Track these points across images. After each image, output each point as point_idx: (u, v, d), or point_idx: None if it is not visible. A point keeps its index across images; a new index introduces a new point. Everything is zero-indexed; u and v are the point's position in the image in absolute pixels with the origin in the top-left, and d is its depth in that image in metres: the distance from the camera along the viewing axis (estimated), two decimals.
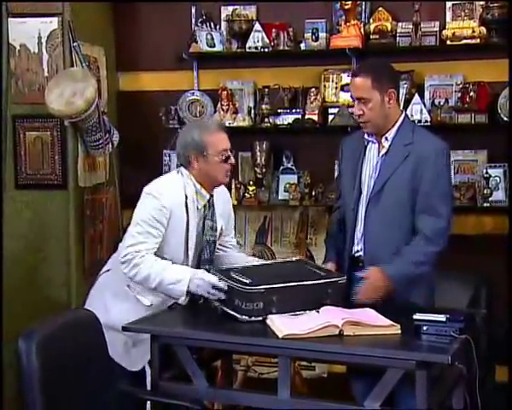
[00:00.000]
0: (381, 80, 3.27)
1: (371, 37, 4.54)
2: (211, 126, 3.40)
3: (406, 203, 3.29)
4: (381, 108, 3.28)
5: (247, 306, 3.04)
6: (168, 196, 3.30)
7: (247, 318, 3.05)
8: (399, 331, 2.89)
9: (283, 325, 2.93)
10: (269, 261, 3.41)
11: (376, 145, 3.40)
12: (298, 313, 3.06)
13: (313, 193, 4.67)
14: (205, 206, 3.40)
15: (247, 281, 3.07)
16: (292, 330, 2.87)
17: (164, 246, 3.31)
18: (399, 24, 4.51)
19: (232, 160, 3.38)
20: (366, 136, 3.40)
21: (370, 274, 3.26)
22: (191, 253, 3.37)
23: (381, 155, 3.37)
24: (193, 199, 3.35)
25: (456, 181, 4.47)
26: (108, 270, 3.49)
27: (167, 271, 3.23)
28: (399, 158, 3.30)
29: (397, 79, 3.42)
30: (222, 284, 3.14)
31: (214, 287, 3.15)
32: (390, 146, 3.33)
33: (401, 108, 3.47)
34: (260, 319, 3.05)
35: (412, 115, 4.41)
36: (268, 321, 3.01)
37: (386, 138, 3.34)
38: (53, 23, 4.40)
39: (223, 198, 3.54)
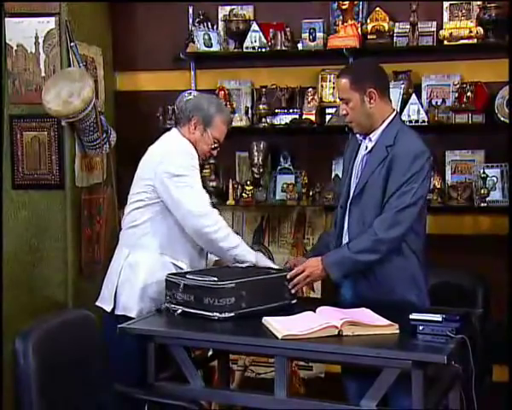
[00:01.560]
0: (360, 81, 3.30)
1: (368, 37, 4.54)
2: (226, 116, 3.56)
3: (381, 204, 3.29)
4: (362, 107, 3.31)
5: (219, 302, 3.05)
6: (189, 149, 3.42)
7: (218, 314, 3.06)
8: (398, 331, 2.89)
9: (282, 325, 2.93)
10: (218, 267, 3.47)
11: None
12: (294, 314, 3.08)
13: (310, 193, 4.68)
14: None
15: (214, 278, 3.10)
16: (291, 330, 2.87)
17: None
18: (397, 24, 4.51)
19: (215, 152, 3.54)
20: (358, 136, 3.43)
21: (308, 263, 3.34)
22: None
23: (364, 155, 3.40)
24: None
25: (453, 181, 4.48)
26: (128, 254, 3.42)
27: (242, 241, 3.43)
28: (379, 159, 3.30)
29: (381, 79, 3.41)
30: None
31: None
32: (373, 147, 3.35)
33: (393, 107, 3.46)
34: (232, 315, 3.06)
35: (409, 115, 4.42)
36: (265, 322, 3.01)
37: (370, 139, 3.37)
38: (50, 23, 4.40)
39: None
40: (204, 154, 3.50)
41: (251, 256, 3.41)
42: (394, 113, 3.41)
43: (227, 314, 3.06)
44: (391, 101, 3.44)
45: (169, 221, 3.36)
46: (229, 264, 3.42)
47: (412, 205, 3.22)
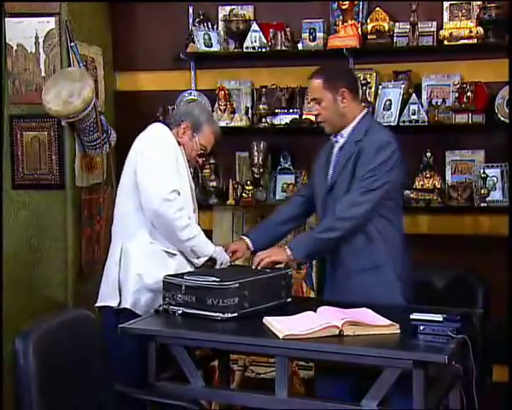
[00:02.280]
0: (332, 81, 3.41)
1: (368, 37, 4.54)
2: (215, 127, 3.67)
3: None
4: (334, 106, 3.42)
5: (224, 302, 3.06)
6: (172, 138, 3.51)
7: (221, 315, 3.06)
8: (399, 331, 2.90)
9: (282, 325, 2.93)
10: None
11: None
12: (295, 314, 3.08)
13: None
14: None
15: (216, 279, 3.10)
16: (292, 330, 2.87)
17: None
18: (397, 24, 4.51)
19: (201, 161, 3.66)
20: (332, 137, 3.54)
21: (273, 249, 3.49)
22: (196, 205, 3.60)
23: (335, 151, 3.50)
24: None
25: (454, 181, 4.48)
26: (122, 246, 3.44)
27: (199, 230, 3.47)
28: (349, 154, 3.41)
29: (352, 80, 3.55)
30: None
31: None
32: (344, 143, 3.46)
33: (363, 106, 3.61)
34: (236, 315, 3.07)
35: (409, 115, 4.42)
36: (265, 322, 3.01)
37: (342, 135, 3.48)
38: (50, 23, 4.40)
39: None
40: (190, 156, 3.57)
41: (209, 248, 3.47)
42: (365, 110, 3.53)
43: (230, 315, 3.07)
44: (361, 101, 3.57)
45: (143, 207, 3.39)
46: (193, 259, 3.46)
47: (375, 189, 3.32)
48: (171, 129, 3.55)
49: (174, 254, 3.42)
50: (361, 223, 3.35)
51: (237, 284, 3.08)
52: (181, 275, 3.24)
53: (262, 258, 3.40)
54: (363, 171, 3.34)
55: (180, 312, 3.15)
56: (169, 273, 3.29)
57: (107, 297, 3.44)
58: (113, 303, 3.39)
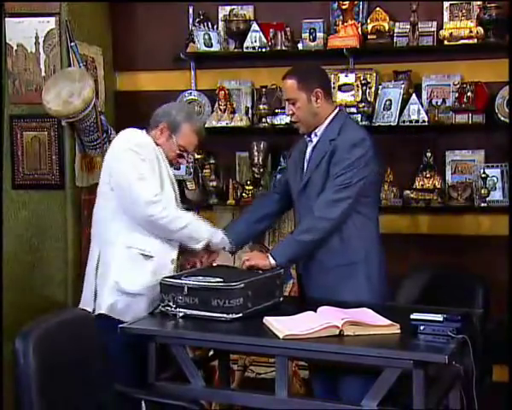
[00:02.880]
0: (306, 81, 3.44)
1: (369, 37, 4.54)
2: (195, 124, 3.54)
3: None
4: (309, 106, 3.45)
5: (230, 303, 3.05)
6: (144, 140, 3.44)
7: (226, 316, 3.06)
8: (399, 331, 2.90)
9: (283, 325, 2.93)
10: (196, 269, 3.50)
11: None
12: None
13: None
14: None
15: (220, 279, 3.10)
16: (292, 330, 2.87)
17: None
18: (397, 24, 4.51)
19: (184, 161, 3.58)
20: (305, 136, 3.56)
21: (256, 254, 3.58)
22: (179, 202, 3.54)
23: (309, 150, 3.53)
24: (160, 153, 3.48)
25: (454, 181, 4.48)
26: (99, 253, 3.42)
27: (194, 219, 3.45)
28: (323, 152, 3.44)
29: (325, 80, 3.59)
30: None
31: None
32: (318, 142, 3.49)
33: (336, 105, 3.67)
34: (240, 315, 3.07)
35: (410, 115, 4.42)
36: (266, 322, 3.01)
37: (316, 134, 3.51)
38: (50, 23, 4.40)
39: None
40: (170, 160, 3.51)
41: (204, 233, 3.44)
42: (338, 109, 3.56)
43: (235, 315, 3.07)
44: (334, 101, 3.62)
45: (129, 214, 3.36)
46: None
47: (350, 186, 3.35)
48: (149, 131, 3.50)
49: (151, 257, 3.36)
50: (340, 221, 3.37)
51: (242, 285, 3.08)
52: (178, 276, 3.23)
53: (243, 261, 3.43)
54: (337, 169, 3.36)
55: (182, 314, 3.14)
56: (146, 275, 3.30)
57: (85, 303, 3.42)
58: (90, 309, 3.35)
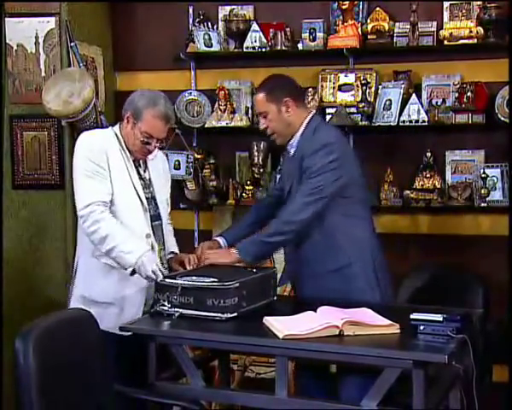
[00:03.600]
0: (275, 93, 3.47)
1: (369, 37, 4.55)
2: (158, 110, 3.34)
3: None
4: (280, 117, 3.47)
5: (224, 303, 3.05)
6: (99, 140, 3.36)
7: (221, 315, 3.06)
8: (398, 331, 2.90)
9: (283, 325, 2.93)
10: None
11: None
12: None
13: None
14: (134, 161, 3.43)
15: (214, 279, 3.10)
16: (292, 330, 2.87)
17: (116, 200, 3.31)
18: (397, 24, 4.51)
19: (152, 147, 3.37)
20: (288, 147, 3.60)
21: (220, 251, 3.52)
22: (146, 206, 3.39)
23: (287, 160, 3.59)
24: (123, 148, 3.39)
25: (454, 181, 4.48)
26: (78, 258, 3.45)
27: (124, 238, 3.23)
28: (298, 162, 3.45)
29: (294, 89, 3.58)
30: (162, 270, 3.21)
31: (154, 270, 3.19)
32: (295, 152, 3.51)
33: (310, 109, 3.75)
34: (235, 314, 3.07)
35: (410, 115, 4.42)
36: (265, 322, 3.01)
37: (292, 145, 3.53)
38: (50, 23, 4.40)
39: (162, 165, 3.61)
40: (137, 149, 3.38)
41: (129, 259, 3.20)
42: (311, 114, 3.56)
43: (230, 315, 3.07)
44: (306, 106, 3.68)
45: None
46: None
47: (320, 190, 3.34)
48: (120, 122, 3.42)
49: (114, 266, 3.30)
50: (308, 224, 3.38)
51: (237, 284, 3.09)
52: (173, 276, 3.23)
53: (208, 257, 3.43)
54: (307, 173, 3.37)
55: (178, 314, 3.14)
56: (112, 285, 3.29)
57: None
58: None
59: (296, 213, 3.36)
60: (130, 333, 3.15)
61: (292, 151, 3.53)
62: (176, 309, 3.14)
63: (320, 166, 3.34)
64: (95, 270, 3.34)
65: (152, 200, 3.46)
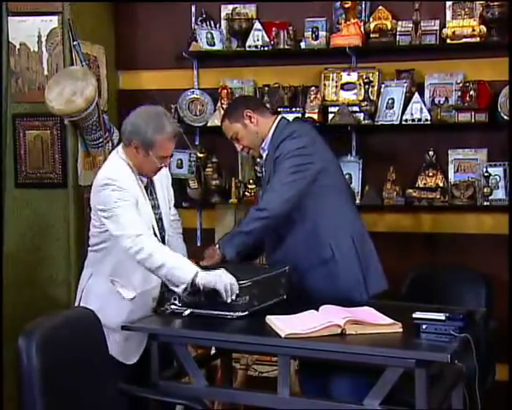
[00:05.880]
0: (233, 113, 3.64)
1: (371, 35, 4.54)
2: (167, 131, 3.28)
3: None
4: (248, 130, 3.61)
5: (236, 301, 3.06)
6: (122, 176, 3.27)
7: (232, 314, 3.07)
8: (401, 330, 2.90)
9: (285, 324, 2.93)
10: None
11: None
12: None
13: None
14: (146, 186, 3.41)
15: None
16: (294, 329, 2.87)
17: None
18: (399, 22, 4.51)
19: (167, 163, 3.38)
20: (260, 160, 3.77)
21: (206, 252, 3.51)
22: (157, 231, 3.36)
23: (264, 164, 3.67)
24: (138, 177, 3.35)
25: (456, 180, 4.47)
26: (91, 275, 3.40)
27: (175, 256, 3.19)
28: (271, 161, 3.54)
29: (250, 100, 3.93)
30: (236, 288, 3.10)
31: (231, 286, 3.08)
32: (267, 155, 3.60)
33: (274, 114, 3.83)
34: (246, 313, 3.08)
35: (412, 114, 4.42)
36: (268, 321, 3.01)
37: (263, 149, 3.63)
38: (53, 22, 4.40)
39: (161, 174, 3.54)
40: (152, 173, 3.36)
41: (182, 273, 3.11)
42: (278, 118, 3.66)
43: (241, 313, 3.08)
44: (270, 113, 3.76)
45: (119, 247, 3.24)
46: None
47: (298, 172, 3.42)
48: (125, 146, 3.32)
49: (126, 297, 3.29)
50: (285, 210, 3.42)
51: (249, 283, 3.09)
52: None
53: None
54: (277, 161, 3.47)
55: (188, 312, 3.14)
56: (121, 315, 3.24)
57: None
58: None
59: (270, 198, 3.44)
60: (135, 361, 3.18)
61: (264, 155, 3.63)
62: (186, 308, 3.14)
63: (288, 151, 3.45)
64: (109, 294, 3.31)
65: (160, 221, 3.44)
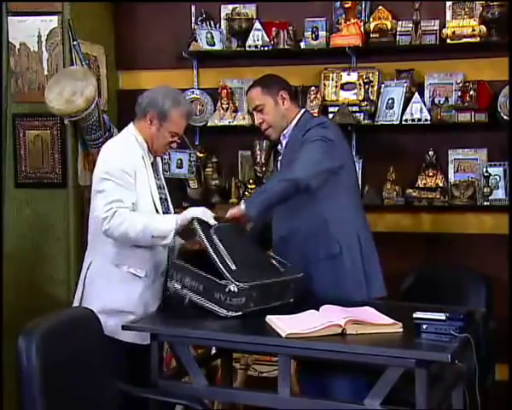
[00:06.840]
0: (269, 86, 3.61)
1: (371, 35, 4.54)
2: (183, 109, 3.42)
3: None
4: (277, 109, 3.58)
5: (231, 301, 3.05)
6: (130, 151, 3.33)
7: (225, 312, 3.06)
8: (401, 330, 2.90)
9: (285, 324, 2.93)
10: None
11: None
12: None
13: None
14: (152, 164, 3.44)
15: (232, 267, 3.09)
16: (295, 329, 2.87)
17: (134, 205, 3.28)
18: (399, 22, 4.51)
19: (175, 144, 3.46)
20: (278, 147, 3.70)
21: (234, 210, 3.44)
22: (160, 210, 3.38)
23: (283, 150, 3.63)
24: (146, 154, 3.39)
25: (456, 180, 4.47)
26: (90, 263, 3.37)
27: (152, 217, 3.29)
28: (297, 147, 3.49)
29: (286, 84, 3.72)
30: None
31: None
32: (288, 142, 3.58)
33: (300, 106, 3.82)
34: (240, 313, 3.07)
35: (412, 114, 4.42)
36: (268, 321, 3.01)
37: (284, 136, 3.61)
38: (53, 21, 4.40)
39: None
40: (161, 148, 3.42)
41: (167, 225, 3.23)
42: (303, 110, 3.69)
43: (234, 313, 3.07)
44: (298, 104, 3.80)
45: None
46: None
47: (321, 153, 3.40)
48: (138, 121, 3.40)
49: (140, 277, 3.29)
50: (306, 176, 3.36)
51: (247, 286, 3.07)
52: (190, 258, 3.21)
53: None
54: (305, 143, 3.44)
55: (188, 299, 3.13)
56: (133, 297, 3.25)
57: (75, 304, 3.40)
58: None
59: (296, 166, 3.37)
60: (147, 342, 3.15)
61: (284, 142, 3.61)
62: (185, 291, 3.15)
63: (318, 134, 3.43)
64: (117, 279, 3.29)
65: (165, 201, 3.47)
